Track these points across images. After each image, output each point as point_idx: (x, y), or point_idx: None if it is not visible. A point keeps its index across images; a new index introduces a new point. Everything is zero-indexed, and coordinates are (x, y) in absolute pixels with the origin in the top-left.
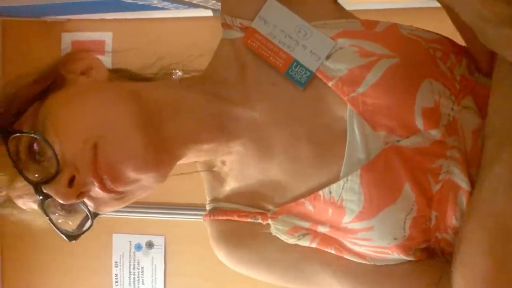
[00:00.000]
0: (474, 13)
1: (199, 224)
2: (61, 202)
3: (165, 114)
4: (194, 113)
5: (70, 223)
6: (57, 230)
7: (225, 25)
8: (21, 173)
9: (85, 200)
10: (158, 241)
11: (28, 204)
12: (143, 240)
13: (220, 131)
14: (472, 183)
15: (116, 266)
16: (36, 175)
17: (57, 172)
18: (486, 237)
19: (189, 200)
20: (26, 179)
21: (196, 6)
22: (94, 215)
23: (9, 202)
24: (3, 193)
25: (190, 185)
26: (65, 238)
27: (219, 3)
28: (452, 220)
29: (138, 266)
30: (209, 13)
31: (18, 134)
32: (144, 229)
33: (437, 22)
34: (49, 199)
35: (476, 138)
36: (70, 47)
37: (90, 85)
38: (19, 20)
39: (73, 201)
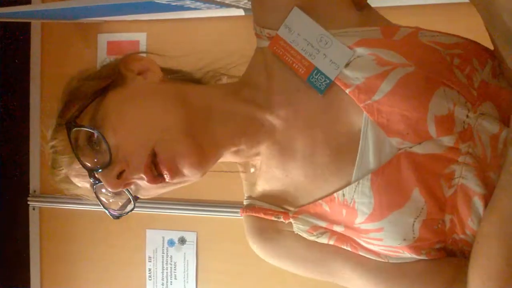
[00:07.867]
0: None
1: (230, 220)
2: (109, 190)
3: (209, 119)
4: (233, 118)
5: (113, 201)
6: (104, 208)
7: (256, 35)
8: (78, 159)
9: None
10: (190, 237)
11: (82, 182)
12: (175, 236)
13: (253, 135)
14: (491, 187)
15: (149, 261)
16: (95, 160)
17: (109, 164)
18: (503, 240)
19: (221, 197)
20: (82, 164)
21: (228, 5)
22: (135, 198)
23: (66, 179)
24: (63, 171)
25: (222, 183)
26: (110, 215)
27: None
28: (468, 222)
29: (171, 261)
30: (240, 12)
31: (80, 128)
32: (176, 225)
33: (470, 17)
34: (100, 183)
35: (496, 143)
36: (106, 48)
37: (145, 88)
38: (58, 23)
39: (119, 190)
